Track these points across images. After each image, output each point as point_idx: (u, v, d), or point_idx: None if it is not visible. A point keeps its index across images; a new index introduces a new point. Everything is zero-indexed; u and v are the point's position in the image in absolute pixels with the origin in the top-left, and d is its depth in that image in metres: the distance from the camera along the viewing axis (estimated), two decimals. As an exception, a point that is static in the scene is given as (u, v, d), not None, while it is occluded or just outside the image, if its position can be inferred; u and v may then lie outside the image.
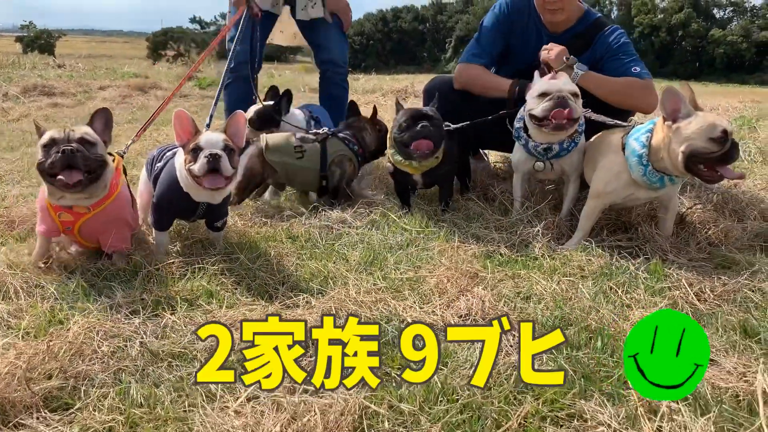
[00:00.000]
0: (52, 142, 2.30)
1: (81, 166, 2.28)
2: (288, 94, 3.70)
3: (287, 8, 4.27)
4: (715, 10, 64.53)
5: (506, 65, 3.74)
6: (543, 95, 2.85)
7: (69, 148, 2.25)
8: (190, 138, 2.47)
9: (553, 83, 2.88)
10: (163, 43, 58.22)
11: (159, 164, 2.73)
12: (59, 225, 2.43)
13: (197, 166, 2.41)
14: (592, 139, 3.05)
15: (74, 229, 2.44)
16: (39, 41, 52.58)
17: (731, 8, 64.04)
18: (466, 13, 66.18)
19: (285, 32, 4.61)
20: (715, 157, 2.40)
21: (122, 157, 2.71)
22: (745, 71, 54.75)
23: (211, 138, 2.46)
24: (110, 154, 2.53)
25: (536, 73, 3.03)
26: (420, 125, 2.95)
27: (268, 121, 3.56)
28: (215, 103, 3.49)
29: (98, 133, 2.43)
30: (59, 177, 2.27)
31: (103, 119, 2.47)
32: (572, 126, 2.86)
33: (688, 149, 2.41)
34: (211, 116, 3.04)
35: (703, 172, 2.44)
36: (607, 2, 69.71)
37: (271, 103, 3.74)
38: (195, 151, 2.43)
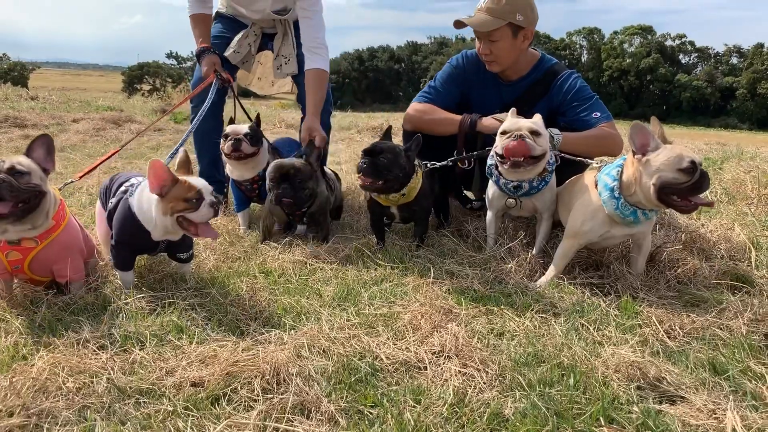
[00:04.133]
0: None
1: (7, 196, 2.21)
2: (258, 118, 3.75)
3: (269, 54, 4.26)
4: (681, 56, 66.78)
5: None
6: (504, 133, 2.91)
7: None
8: (166, 185, 2.42)
9: (513, 122, 2.94)
10: (138, 77, 58.23)
11: (112, 200, 2.68)
12: (7, 265, 2.37)
13: (201, 214, 2.41)
14: (565, 184, 3.10)
15: (23, 267, 2.39)
16: (12, 73, 52.19)
17: (696, 54, 66.32)
18: (440, 54, 67.55)
19: (262, 80, 4.61)
20: (685, 188, 2.45)
21: (60, 191, 2.66)
22: (711, 114, 56.54)
23: (205, 184, 2.46)
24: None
25: (510, 111, 3.09)
26: (363, 161, 3.00)
27: (259, 138, 3.59)
28: (180, 145, 3.50)
29: (40, 161, 2.37)
30: None
31: (44, 146, 2.40)
32: (533, 164, 2.90)
33: (658, 181, 2.46)
34: (175, 153, 3.02)
35: (676, 202, 2.49)
36: (577, 46, 71.76)
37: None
38: (197, 200, 2.40)
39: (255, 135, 3.57)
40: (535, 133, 2.87)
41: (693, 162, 2.43)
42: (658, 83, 61.86)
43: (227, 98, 4.10)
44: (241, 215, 3.81)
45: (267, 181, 3.22)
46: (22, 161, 2.31)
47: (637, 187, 2.54)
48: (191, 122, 3.84)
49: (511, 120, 2.97)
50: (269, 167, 3.20)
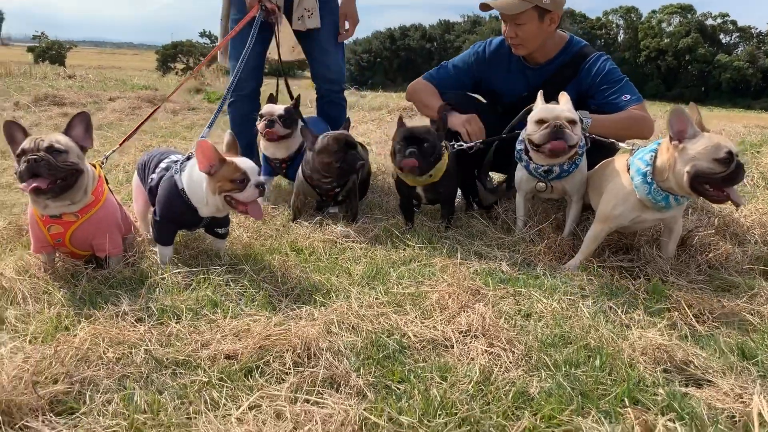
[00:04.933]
0: (22, 152, 2.34)
1: (45, 174, 2.30)
2: (298, 98, 3.77)
3: (285, 21, 4.26)
4: (721, 36, 64.87)
5: (495, 103, 3.83)
6: (541, 122, 2.88)
7: (33, 157, 2.29)
8: (214, 164, 2.49)
9: (550, 110, 2.91)
10: (172, 56, 58.69)
11: (153, 176, 2.76)
12: (49, 238, 2.47)
13: (247, 195, 2.49)
14: (595, 168, 3.08)
15: (65, 240, 2.48)
16: (50, 52, 53.02)
17: (737, 34, 64.38)
18: (473, 32, 66.72)
19: (282, 47, 4.63)
20: (719, 178, 2.42)
21: (101, 166, 2.74)
22: (751, 96, 54.96)
23: (252, 165, 2.53)
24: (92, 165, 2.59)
25: (539, 94, 3.07)
26: (408, 150, 3.02)
27: (294, 120, 3.62)
28: (215, 117, 3.56)
29: (78, 139, 2.46)
30: (21, 186, 2.33)
31: (82, 124, 2.50)
32: (569, 152, 2.89)
33: (693, 169, 2.43)
34: (211, 125, 3.08)
35: (708, 192, 2.45)
36: (613, 25, 70.16)
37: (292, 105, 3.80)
38: (242, 181, 2.48)
39: (289, 117, 3.59)
40: (572, 122, 2.85)
41: (730, 152, 2.39)
42: (697, 64, 60.26)
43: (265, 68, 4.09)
44: (265, 180, 3.86)
45: (325, 155, 3.19)
46: (61, 139, 2.39)
47: (670, 174, 2.51)
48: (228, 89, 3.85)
49: (546, 108, 2.94)
50: (329, 139, 3.20)
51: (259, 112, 3.65)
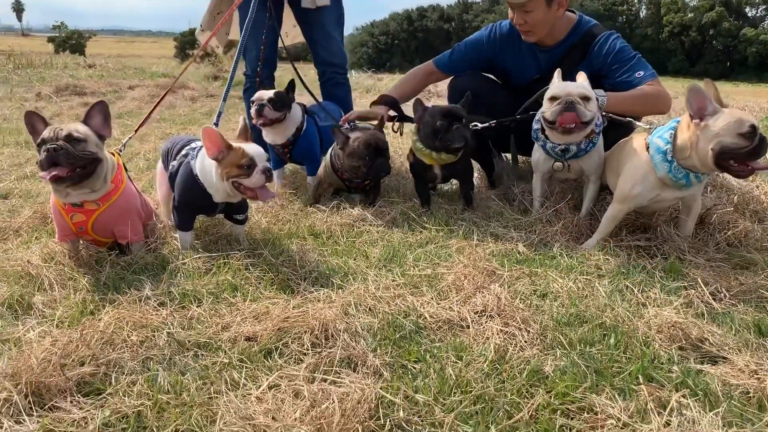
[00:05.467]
0: (42, 142, 2.38)
1: (64, 162, 2.35)
2: (292, 83, 3.79)
3: (290, 13, 4.29)
4: (747, 9, 63.30)
5: (507, 84, 3.83)
6: (554, 98, 2.88)
7: (53, 146, 2.34)
8: (222, 151, 2.53)
9: (562, 87, 2.90)
10: (191, 43, 58.81)
11: (173, 163, 2.81)
12: (72, 226, 2.52)
13: (253, 181, 2.50)
14: (612, 148, 3.06)
15: (87, 228, 2.54)
16: (70, 42, 53.49)
17: (764, 6, 62.75)
18: (492, 12, 65.88)
19: (290, 34, 4.66)
20: (744, 152, 2.40)
21: (120, 154, 2.79)
22: (778, 70, 53.64)
23: (260, 151, 2.54)
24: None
25: (556, 73, 3.06)
26: (455, 126, 3.06)
27: (284, 103, 3.64)
28: (224, 99, 3.60)
29: (97, 128, 2.51)
30: (40, 174, 2.37)
31: (101, 113, 2.54)
32: (583, 129, 2.88)
33: (717, 146, 2.41)
34: (220, 114, 3.12)
35: (733, 167, 2.44)
36: (635, 1, 68.84)
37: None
38: (249, 167, 2.49)
39: (280, 100, 3.59)
40: (585, 98, 2.84)
41: (753, 126, 2.37)
42: (722, 38, 58.92)
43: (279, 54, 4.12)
44: (275, 173, 3.90)
45: (354, 159, 3.20)
46: (80, 129, 2.44)
47: (693, 152, 2.49)
48: (232, 72, 3.87)
49: (559, 85, 2.94)
50: (359, 143, 3.19)
51: (251, 99, 3.68)
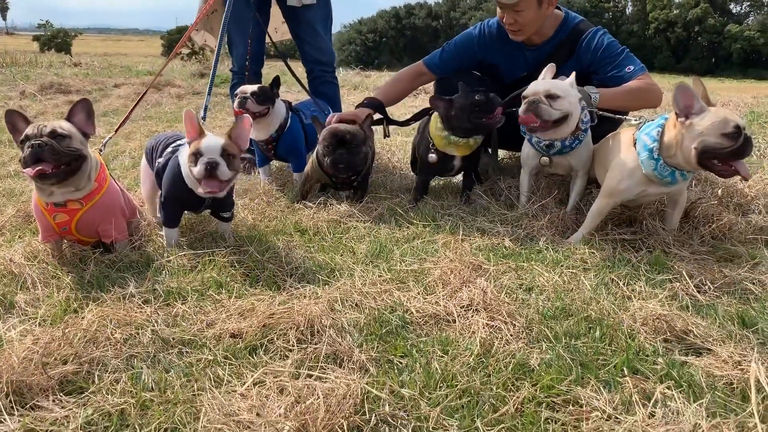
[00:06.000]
0: (26, 138, 2.35)
1: (49, 159, 2.32)
2: (277, 79, 3.78)
3: (278, 10, 4.27)
4: (731, 5, 63.83)
5: (495, 82, 3.82)
6: (525, 97, 2.89)
7: (37, 142, 2.30)
8: (195, 136, 2.53)
9: (531, 86, 2.91)
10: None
11: (160, 160, 2.79)
12: (55, 227, 2.49)
13: (196, 171, 2.48)
14: (600, 141, 3.07)
15: (71, 228, 2.51)
16: (56, 40, 53.01)
17: (748, 3, 63.33)
18: (480, 9, 66.02)
19: (279, 30, 4.64)
20: (728, 152, 2.41)
21: (100, 153, 2.77)
22: (762, 67, 54.14)
23: (211, 144, 2.50)
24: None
25: (545, 69, 3.06)
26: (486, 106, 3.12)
27: (267, 98, 3.62)
28: (208, 94, 3.59)
29: (81, 125, 2.48)
30: (24, 171, 2.33)
31: (84, 111, 2.51)
32: (552, 128, 2.88)
33: (701, 145, 2.41)
34: (206, 108, 3.10)
35: (716, 166, 2.44)
36: (621, -2, 69.15)
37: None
38: (195, 156, 2.49)
39: (263, 94, 3.58)
40: (551, 97, 2.83)
41: (738, 126, 2.38)
42: (707, 35, 59.33)
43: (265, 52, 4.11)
44: (261, 171, 3.99)
45: (320, 147, 3.24)
46: (63, 125, 2.41)
47: (678, 150, 2.50)
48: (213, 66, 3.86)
49: (533, 84, 2.94)
50: (323, 133, 3.22)
51: (235, 92, 3.67)
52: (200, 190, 2.52)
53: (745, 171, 2.43)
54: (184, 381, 1.69)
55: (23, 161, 2.34)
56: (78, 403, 1.60)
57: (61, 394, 1.64)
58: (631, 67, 3.24)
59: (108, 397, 1.61)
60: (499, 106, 3.12)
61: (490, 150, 4.10)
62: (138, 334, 1.93)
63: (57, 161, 2.34)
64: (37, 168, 2.30)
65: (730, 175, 2.47)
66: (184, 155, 2.60)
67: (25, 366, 1.67)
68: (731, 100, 8.34)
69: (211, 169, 2.46)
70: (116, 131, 3.19)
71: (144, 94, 3.56)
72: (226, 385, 1.68)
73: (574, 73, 2.98)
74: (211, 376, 1.71)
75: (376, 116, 3.75)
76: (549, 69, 3.03)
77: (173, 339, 1.91)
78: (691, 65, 53.68)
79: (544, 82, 2.92)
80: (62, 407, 1.58)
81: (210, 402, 1.57)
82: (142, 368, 1.74)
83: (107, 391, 1.64)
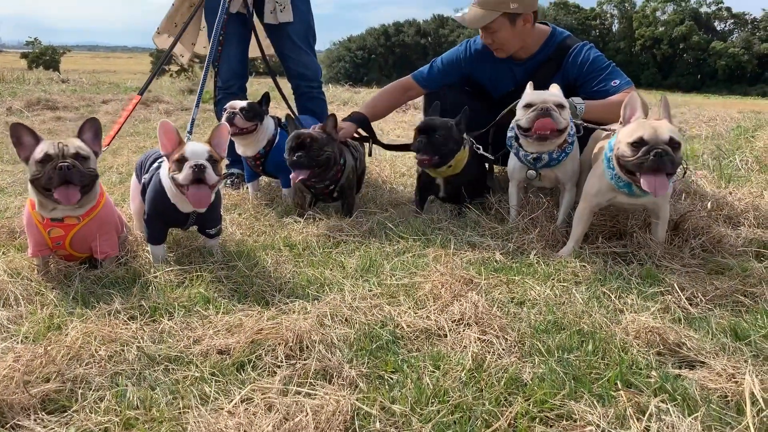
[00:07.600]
0: (47, 158, 2.30)
1: (77, 181, 2.30)
2: (267, 95, 3.77)
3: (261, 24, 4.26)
4: (716, 23, 64.78)
5: (484, 97, 3.84)
6: (528, 106, 2.89)
7: (66, 164, 2.27)
8: (175, 148, 2.50)
9: (537, 94, 2.92)
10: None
11: (146, 176, 2.75)
12: (48, 241, 2.45)
13: (182, 176, 2.44)
14: (589, 142, 3.11)
15: (65, 243, 2.47)
16: (44, 57, 52.98)
17: (732, 21, 64.29)
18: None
19: (264, 43, 4.64)
20: (631, 163, 2.43)
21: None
22: (747, 83, 54.93)
23: (196, 149, 2.47)
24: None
25: (529, 84, 3.07)
26: (420, 140, 3.15)
27: (256, 114, 3.60)
28: (196, 107, 3.57)
29: (88, 144, 2.45)
30: (56, 194, 2.30)
31: (92, 130, 2.48)
32: (557, 137, 2.89)
33: (616, 153, 2.49)
34: (193, 121, 3.08)
35: (635, 179, 2.48)
36: (608, 15, 70.05)
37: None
38: (180, 162, 2.45)
39: (252, 110, 3.56)
40: (560, 106, 2.86)
41: (641, 138, 2.40)
42: (692, 51, 60.17)
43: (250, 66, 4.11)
44: (250, 186, 3.96)
45: (285, 152, 3.23)
46: (83, 146, 2.39)
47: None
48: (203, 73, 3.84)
49: (533, 93, 2.95)
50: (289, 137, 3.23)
51: (224, 107, 3.66)
52: (186, 203, 2.49)
53: (647, 185, 2.40)
54: (170, 398, 1.65)
55: (47, 182, 2.29)
56: (60, 422, 1.55)
57: (43, 413, 1.59)
58: (617, 81, 3.27)
59: (91, 416, 1.56)
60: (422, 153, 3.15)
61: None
62: (123, 350, 1.89)
63: (82, 183, 2.32)
64: (75, 197, 2.31)
65: (650, 189, 2.40)
66: (164, 170, 2.57)
67: (6, 384, 1.62)
68: (718, 115, 8.42)
69: (199, 172, 2.42)
70: (108, 144, 3.15)
71: (133, 108, 3.54)
72: (213, 402, 1.64)
73: (556, 85, 3.00)
74: (198, 393, 1.67)
75: (361, 132, 3.76)
76: (530, 86, 3.05)
77: (159, 356, 1.87)
78: (677, 81, 54.37)
79: (550, 92, 2.96)
80: (44, 426, 1.53)
81: (196, 420, 1.53)
82: (126, 386, 1.70)
83: (91, 409, 1.60)
